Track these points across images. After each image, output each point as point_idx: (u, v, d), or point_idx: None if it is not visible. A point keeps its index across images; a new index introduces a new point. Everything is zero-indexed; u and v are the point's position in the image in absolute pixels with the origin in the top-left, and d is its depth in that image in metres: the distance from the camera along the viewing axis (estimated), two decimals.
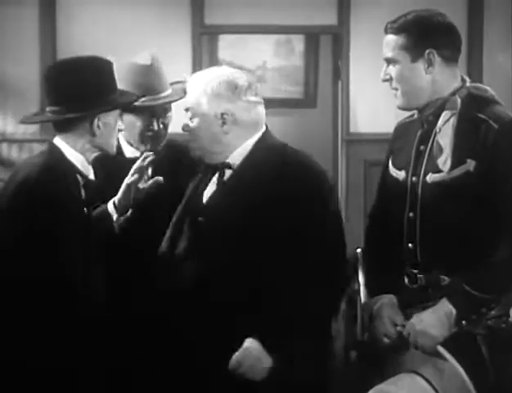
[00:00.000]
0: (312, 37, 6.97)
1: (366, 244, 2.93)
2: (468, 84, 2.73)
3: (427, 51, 2.70)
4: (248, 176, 2.75)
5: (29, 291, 2.63)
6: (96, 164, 2.89)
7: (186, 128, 2.80)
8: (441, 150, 2.66)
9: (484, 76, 5.62)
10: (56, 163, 2.71)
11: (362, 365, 2.81)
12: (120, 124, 2.80)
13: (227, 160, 2.78)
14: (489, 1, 5.76)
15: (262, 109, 2.81)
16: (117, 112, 2.77)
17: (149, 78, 3.03)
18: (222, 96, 2.75)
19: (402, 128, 2.89)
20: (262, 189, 2.70)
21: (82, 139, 2.73)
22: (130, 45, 5.27)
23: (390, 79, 2.72)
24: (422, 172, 2.70)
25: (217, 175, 2.80)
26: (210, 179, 2.82)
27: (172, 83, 3.15)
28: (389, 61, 2.72)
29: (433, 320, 2.61)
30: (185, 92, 2.90)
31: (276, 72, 7.14)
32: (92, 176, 2.78)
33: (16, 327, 2.65)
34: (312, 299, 2.66)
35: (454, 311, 2.60)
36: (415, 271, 2.70)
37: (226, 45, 6.94)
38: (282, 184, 2.69)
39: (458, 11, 5.74)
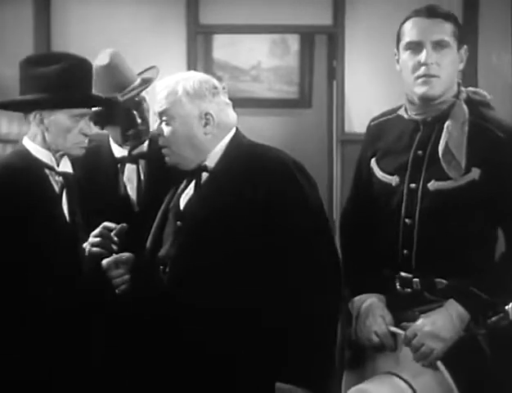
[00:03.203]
0: (307, 37, 6.97)
1: (347, 242, 2.84)
2: (462, 88, 2.70)
3: (465, 45, 2.67)
4: (222, 177, 2.72)
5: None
6: (84, 162, 2.89)
7: (160, 132, 2.75)
8: (452, 157, 2.59)
9: (479, 76, 5.62)
10: (16, 159, 2.71)
11: (355, 364, 2.81)
12: (84, 128, 2.73)
13: (204, 163, 2.75)
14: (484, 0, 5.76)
15: (233, 111, 2.81)
16: (71, 113, 2.70)
17: (109, 77, 2.98)
18: (204, 96, 2.73)
19: (381, 128, 2.79)
20: (236, 189, 2.67)
21: (38, 134, 2.72)
22: (125, 44, 5.26)
23: (430, 64, 2.60)
24: (422, 179, 2.65)
25: (194, 179, 2.77)
26: (189, 183, 2.79)
27: (139, 73, 3.12)
28: (438, 45, 2.61)
29: (446, 322, 2.56)
30: (156, 74, 2.89)
31: (270, 72, 7.12)
32: (65, 169, 2.74)
33: None
34: (304, 303, 2.63)
35: (466, 313, 2.57)
36: (410, 275, 2.67)
37: (221, 45, 6.92)
38: (257, 182, 2.65)
39: (453, 10, 5.73)
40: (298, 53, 7.13)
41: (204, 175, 2.74)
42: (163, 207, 2.83)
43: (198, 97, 2.73)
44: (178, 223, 2.75)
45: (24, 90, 2.71)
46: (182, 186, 2.81)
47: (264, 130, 5.72)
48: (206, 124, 2.73)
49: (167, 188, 2.88)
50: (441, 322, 2.57)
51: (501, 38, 5.74)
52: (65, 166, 2.75)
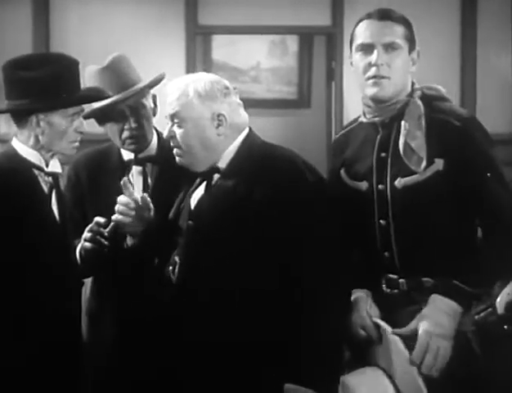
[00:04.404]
0: (305, 37, 6.98)
1: None
2: (417, 86, 2.71)
3: (417, 48, 2.69)
4: (233, 177, 2.70)
5: None
6: (92, 163, 2.89)
7: (172, 134, 2.73)
8: (412, 152, 2.60)
9: (478, 75, 5.62)
10: (3, 160, 2.69)
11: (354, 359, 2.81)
12: (79, 126, 2.71)
13: (217, 165, 2.74)
14: None
15: (244, 111, 2.79)
16: (65, 113, 2.67)
17: (104, 80, 2.93)
18: (216, 97, 2.69)
19: (346, 138, 2.80)
20: (246, 189, 2.65)
21: (31, 137, 2.70)
22: (124, 44, 5.27)
23: (380, 65, 2.62)
24: (388, 178, 2.66)
25: (206, 180, 2.76)
26: (200, 183, 2.78)
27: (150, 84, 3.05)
28: (389, 47, 2.61)
29: (449, 320, 2.54)
30: (157, 81, 2.88)
31: (269, 72, 7.14)
32: (55, 169, 2.73)
33: None
34: (308, 302, 2.62)
35: (456, 305, 2.57)
36: (395, 276, 2.69)
37: (220, 45, 6.94)
38: (267, 182, 2.65)
39: (451, 8, 5.74)
40: (297, 54, 7.14)
41: (216, 176, 2.73)
42: (174, 208, 2.82)
43: (209, 99, 2.69)
44: (189, 222, 2.74)
45: (14, 94, 2.68)
46: (193, 186, 2.80)
47: (263, 130, 5.69)
48: (219, 125, 2.69)
49: (174, 192, 2.87)
50: (445, 322, 2.55)
51: (501, 37, 5.74)
52: (55, 167, 2.74)
